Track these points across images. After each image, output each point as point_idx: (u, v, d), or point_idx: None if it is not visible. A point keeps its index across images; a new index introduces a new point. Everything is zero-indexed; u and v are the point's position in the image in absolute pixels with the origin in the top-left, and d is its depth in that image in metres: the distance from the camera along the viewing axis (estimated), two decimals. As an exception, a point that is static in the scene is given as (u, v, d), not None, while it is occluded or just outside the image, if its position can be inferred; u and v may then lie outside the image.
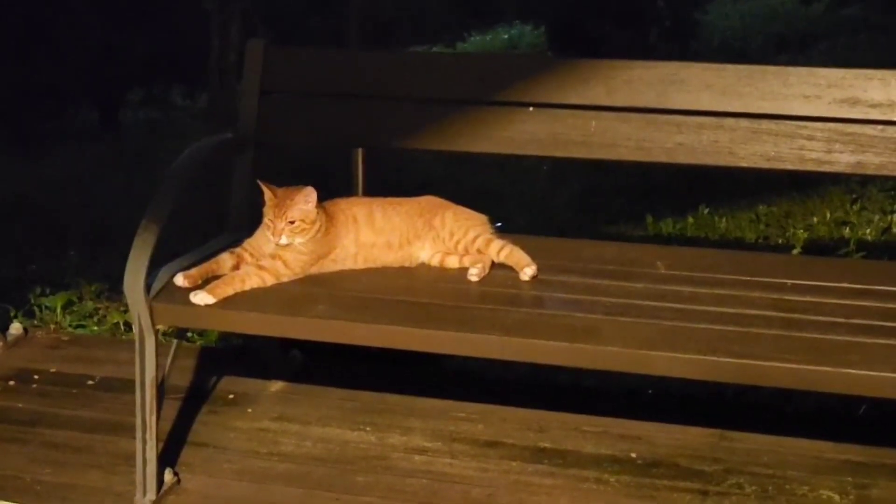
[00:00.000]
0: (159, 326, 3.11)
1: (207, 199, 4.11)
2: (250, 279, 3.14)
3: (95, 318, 4.63)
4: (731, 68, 3.32)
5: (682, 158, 3.33)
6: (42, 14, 10.22)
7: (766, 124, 3.26)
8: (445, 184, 5.61)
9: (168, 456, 3.35)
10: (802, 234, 5.77)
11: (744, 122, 3.28)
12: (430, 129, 3.54)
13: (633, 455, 3.39)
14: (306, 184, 3.21)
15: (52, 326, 4.51)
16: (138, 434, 3.12)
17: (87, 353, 4.20)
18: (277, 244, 3.17)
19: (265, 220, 3.21)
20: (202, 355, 4.07)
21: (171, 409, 3.59)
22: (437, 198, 3.42)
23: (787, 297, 3.07)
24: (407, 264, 3.31)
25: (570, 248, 3.50)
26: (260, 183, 3.22)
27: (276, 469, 3.36)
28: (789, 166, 3.27)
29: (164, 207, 3.10)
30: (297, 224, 3.16)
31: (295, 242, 3.17)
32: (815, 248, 5.45)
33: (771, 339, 2.81)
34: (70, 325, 4.54)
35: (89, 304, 4.72)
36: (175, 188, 3.19)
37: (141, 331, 3.06)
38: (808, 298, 3.06)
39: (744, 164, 3.30)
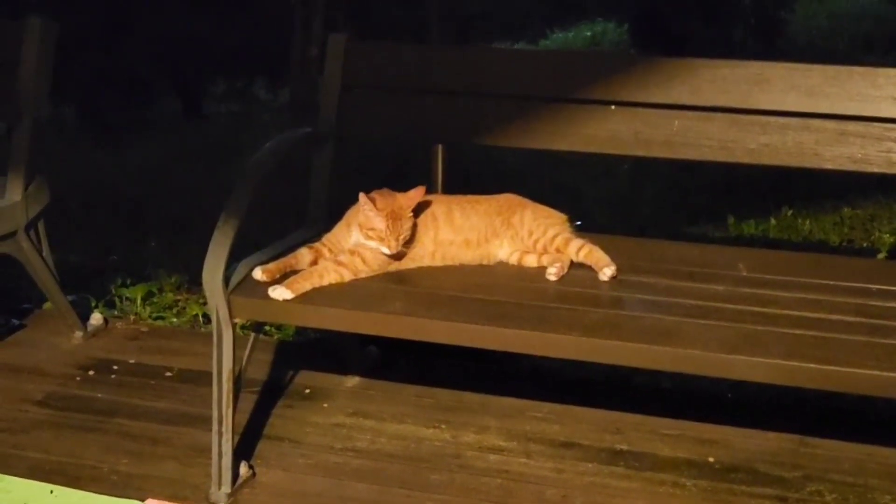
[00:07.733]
0: (237, 320, 3.12)
1: (287, 194, 4.12)
2: (328, 275, 3.13)
3: (175, 310, 4.66)
4: (817, 69, 3.26)
5: (767, 159, 3.29)
6: (127, 4, 10.33)
7: (853, 126, 3.21)
8: (525, 181, 5.57)
9: (244, 449, 3.37)
10: (888, 239, 5.67)
11: (830, 124, 3.23)
12: (511, 125, 3.52)
13: (711, 459, 3.35)
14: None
15: (132, 317, 4.55)
16: (214, 427, 3.14)
17: (166, 345, 4.24)
18: (392, 253, 3.17)
19: (368, 231, 3.17)
20: (279, 349, 4.09)
21: (248, 402, 3.61)
22: (516, 196, 3.40)
23: (871, 303, 3.03)
24: (485, 262, 3.30)
25: (650, 248, 3.46)
26: (362, 196, 3.17)
27: (350, 465, 3.37)
28: (876, 169, 3.21)
29: (244, 201, 3.11)
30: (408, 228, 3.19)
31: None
32: (900, 253, 5.37)
33: (854, 344, 2.77)
34: (150, 316, 4.57)
35: (169, 296, 4.76)
36: (255, 182, 3.20)
37: (219, 324, 3.07)
38: (893, 304, 3.01)
39: (829, 166, 3.24)
